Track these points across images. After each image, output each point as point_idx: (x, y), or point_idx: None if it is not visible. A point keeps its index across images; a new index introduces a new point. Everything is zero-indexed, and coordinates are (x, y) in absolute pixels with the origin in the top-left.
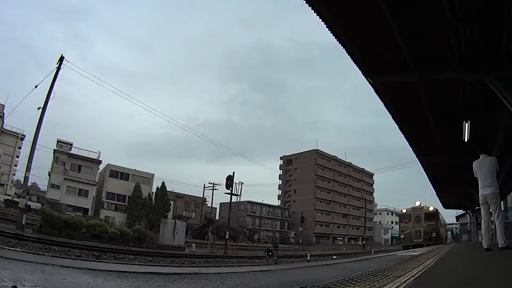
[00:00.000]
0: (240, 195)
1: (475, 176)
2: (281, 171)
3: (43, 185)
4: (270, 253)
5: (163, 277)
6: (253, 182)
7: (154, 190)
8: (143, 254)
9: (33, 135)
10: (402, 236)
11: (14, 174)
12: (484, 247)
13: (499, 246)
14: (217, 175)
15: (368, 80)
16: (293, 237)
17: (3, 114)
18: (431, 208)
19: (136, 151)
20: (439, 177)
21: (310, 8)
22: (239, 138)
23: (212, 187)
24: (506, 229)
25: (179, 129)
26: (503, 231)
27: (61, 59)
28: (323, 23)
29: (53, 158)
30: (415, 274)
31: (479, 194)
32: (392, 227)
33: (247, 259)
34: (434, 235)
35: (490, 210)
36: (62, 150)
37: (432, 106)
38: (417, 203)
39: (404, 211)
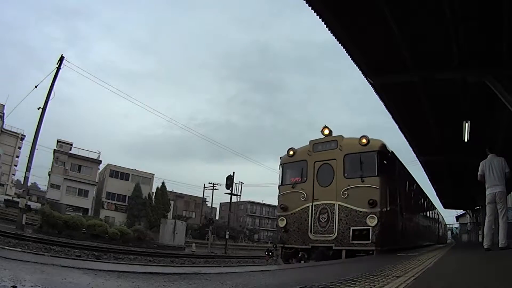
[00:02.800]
0: (240, 195)
1: (480, 174)
2: None
3: (43, 185)
4: (270, 253)
5: (163, 277)
6: (253, 182)
7: (154, 190)
8: (143, 254)
9: (33, 135)
10: (281, 227)
11: (14, 174)
12: (485, 247)
13: (500, 246)
14: (217, 175)
15: (368, 80)
16: None
17: (3, 114)
18: (373, 143)
19: (136, 151)
20: (439, 177)
21: (310, 8)
22: (238, 138)
23: (212, 187)
24: (508, 229)
25: (179, 128)
26: (506, 231)
27: (61, 59)
28: (323, 23)
29: (53, 158)
30: (415, 274)
31: (487, 193)
32: None
33: (247, 259)
34: (377, 225)
35: (497, 209)
36: (62, 150)
37: (432, 106)
38: (326, 132)
39: (291, 153)
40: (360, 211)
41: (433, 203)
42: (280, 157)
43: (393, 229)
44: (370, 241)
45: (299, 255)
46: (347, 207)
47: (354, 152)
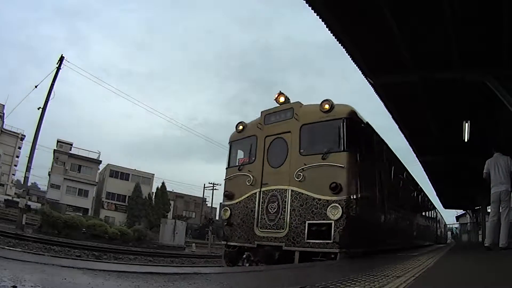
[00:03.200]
0: None
1: (485, 172)
2: None
3: (43, 185)
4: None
5: (163, 277)
6: None
7: (154, 190)
8: (143, 254)
9: (33, 135)
10: (224, 219)
11: (14, 174)
12: (486, 245)
13: (500, 246)
14: (217, 175)
15: (368, 80)
16: None
17: (3, 114)
18: (338, 109)
19: (136, 151)
20: (439, 177)
21: (310, 8)
22: None
23: (212, 187)
24: (510, 229)
25: (179, 128)
26: (507, 231)
27: (61, 59)
28: (323, 23)
29: (53, 158)
30: (415, 274)
31: (492, 192)
32: None
33: None
34: (342, 218)
35: (500, 208)
36: (62, 150)
37: (432, 106)
38: (282, 100)
39: (240, 128)
40: (319, 199)
41: (432, 200)
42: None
43: (369, 225)
44: (331, 241)
45: (244, 256)
46: (302, 194)
47: (314, 122)
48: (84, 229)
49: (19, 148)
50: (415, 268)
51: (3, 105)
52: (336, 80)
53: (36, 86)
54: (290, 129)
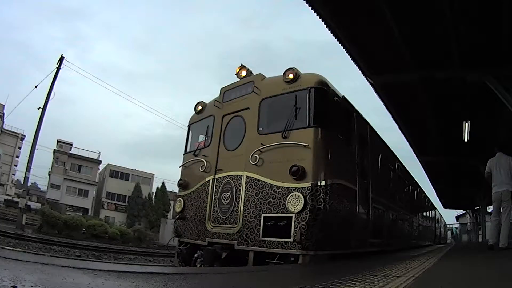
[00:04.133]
0: None
1: (487, 172)
2: None
3: (43, 185)
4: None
5: (163, 277)
6: None
7: (154, 190)
8: (143, 254)
9: (33, 135)
10: (177, 212)
11: (14, 174)
12: (489, 243)
13: (500, 246)
14: None
15: (368, 80)
16: None
17: (3, 114)
18: (305, 78)
19: (136, 151)
20: (439, 177)
21: (310, 8)
22: None
23: None
24: (510, 230)
25: (178, 128)
26: (507, 231)
27: (61, 59)
28: (323, 23)
29: (53, 158)
30: (415, 274)
31: (493, 191)
32: None
33: None
34: (305, 211)
35: (501, 207)
36: (62, 150)
37: (432, 106)
38: (243, 74)
39: (199, 109)
40: (278, 187)
41: (429, 197)
42: None
43: (345, 221)
44: (291, 239)
45: (196, 255)
46: (259, 181)
47: (275, 95)
48: (84, 229)
49: (19, 148)
50: (415, 268)
51: (3, 105)
52: (335, 80)
53: (36, 86)
54: (249, 105)
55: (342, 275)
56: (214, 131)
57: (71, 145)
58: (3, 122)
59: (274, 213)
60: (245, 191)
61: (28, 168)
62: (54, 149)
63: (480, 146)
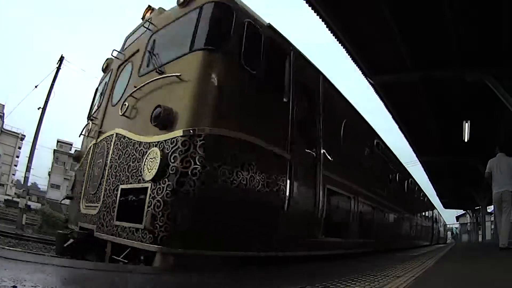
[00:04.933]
0: None
1: (487, 172)
2: None
3: (43, 185)
4: None
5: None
6: None
7: None
8: None
9: (33, 135)
10: (70, 192)
11: (14, 174)
12: (500, 246)
13: (500, 246)
14: None
15: (368, 80)
16: None
17: (3, 114)
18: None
19: None
20: (439, 177)
21: (310, 8)
22: None
23: None
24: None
25: None
26: (507, 232)
27: (61, 59)
28: (323, 23)
29: (53, 158)
30: (415, 274)
31: (494, 192)
32: None
33: None
34: (173, 177)
35: (502, 208)
36: (62, 150)
37: (432, 106)
38: (148, 15)
39: (105, 66)
40: (140, 143)
41: (426, 194)
42: None
43: (261, 202)
44: (142, 226)
45: (66, 244)
46: (125, 138)
47: (165, 25)
48: None
49: (19, 148)
50: (415, 268)
51: (3, 105)
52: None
53: (36, 86)
54: (140, 46)
55: (342, 275)
56: (107, 87)
57: (71, 145)
58: (3, 122)
59: (131, 183)
60: (111, 155)
61: (28, 168)
62: (54, 149)
63: (480, 146)
